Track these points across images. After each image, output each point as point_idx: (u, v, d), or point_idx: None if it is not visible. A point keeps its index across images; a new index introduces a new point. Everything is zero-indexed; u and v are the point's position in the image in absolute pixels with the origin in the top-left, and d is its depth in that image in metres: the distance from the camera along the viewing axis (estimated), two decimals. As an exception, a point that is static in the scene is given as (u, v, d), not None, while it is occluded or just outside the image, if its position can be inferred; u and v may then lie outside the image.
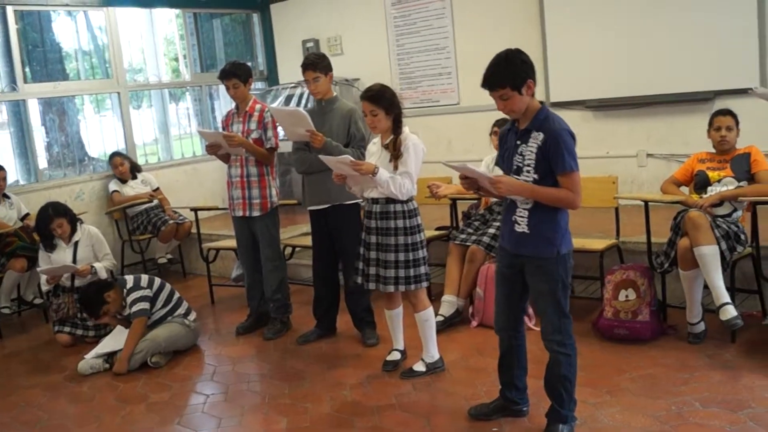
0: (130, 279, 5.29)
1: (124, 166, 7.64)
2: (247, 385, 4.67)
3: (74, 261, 5.72)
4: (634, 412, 3.79)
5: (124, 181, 7.63)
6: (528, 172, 3.29)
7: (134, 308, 5.13)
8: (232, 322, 5.88)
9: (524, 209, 3.35)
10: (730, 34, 6.65)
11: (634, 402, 3.91)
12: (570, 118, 7.28)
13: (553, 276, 3.35)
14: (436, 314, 5.12)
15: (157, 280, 5.38)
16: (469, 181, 3.44)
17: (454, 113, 8.49)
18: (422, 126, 8.54)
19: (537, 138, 3.27)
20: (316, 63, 4.96)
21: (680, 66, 6.93)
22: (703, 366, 4.32)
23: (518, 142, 3.35)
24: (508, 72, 3.23)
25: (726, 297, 4.42)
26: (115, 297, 5.16)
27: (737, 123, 4.86)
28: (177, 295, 5.44)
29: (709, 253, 4.42)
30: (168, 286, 5.41)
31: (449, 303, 5.31)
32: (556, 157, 3.22)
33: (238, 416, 4.20)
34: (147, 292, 5.22)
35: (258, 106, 5.36)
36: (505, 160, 3.46)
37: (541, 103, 3.36)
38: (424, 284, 4.37)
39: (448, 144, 8.40)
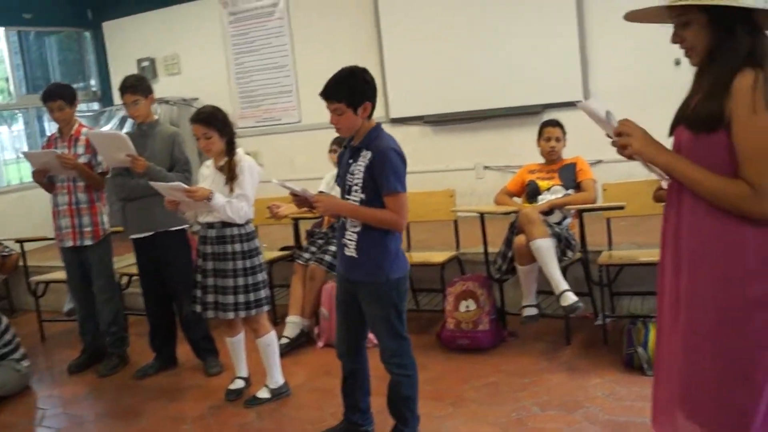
0: None
1: None
2: (79, 428, 4.40)
3: None
4: (477, 421, 3.86)
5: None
6: (356, 191, 3.27)
7: None
8: (64, 360, 5.50)
9: (353, 232, 3.31)
10: (555, 51, 7.02)
11: (477, 411, 3.98)
12: (409, 134, 7.65)
13: (385, 301, 3.32)
14: (281, 336, 5.07)
15: (4, 320, 5.03)
16: (299, 198, 3.42)
17: (295, 131, 8.48)
18: (264, 145, 8.52)
19: (365, 157, 3.24)
20: (135, 86, 4.78)
21: (511, 82, 7.23)
22: (542, 370, 4.46)
23: (350, 161, 3.32)
24: (349, 88, 3.19)
25: (565, 284, 4.57)
26: None
27: (564, 134, 5.09)
28: (18, 338, 5.10)
29: (545, 246, 4.58)
30: (12, 329, 5.07)
31: (294, 324, 5.26)
32: (381, 177, 3.19)
33: (71, 461, 3.98)
34: None
35: (84, 130, 5.12)
36: (340, 180, 3.45)
37: (378, 123, 3.34)
38: (265, 308, 4.30)
39: (290, 163, 8.37)
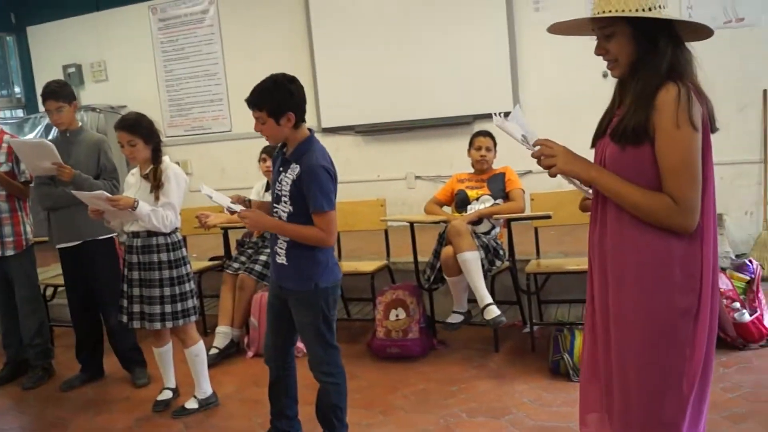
0: None
1: None
2: (3, 442, 4.30)
3: None
4: (406, 429, 3.86)
5: None
6: (285, 203, 3.27)
7: None
8: (-13, 373, 5.37)
9: (284, 241, 3.31)
10: (486, 62, 7.14)
11: (406, 419, 3.99)
12: (341, 144, 7.66)
13: (314, 309, 3.32)
14: (211, 347, 5.01)
15: None
16: (230, 210, 3.41)
17: (226, 140, 8.41)
18: (194, 154, 8.43)
19: (294, 171, 3.22)
20: (57, 92, 4.65)
21: (443, 92, 7.31)
22: (470, 377, 4.50)
23: (281, 170, 3.31)
24: (271, 97, 3.17)
25: (489, 298, 4.63)
26: None
27: (495, 144, 5.15)
28: None
29: (471, 258, 4.63)
30: None
31: (224, 334, 5.20)
32: (309, 194, 3.19)
33: (-8, 476, 3.86)
34: None
35: (6, 137, 4.96)
36: (272, 185, 3.44)
37: (311, 133, 3.32)
38: (193, 318, 4.24)
39: (221, 172, 8.30)
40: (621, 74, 2.24)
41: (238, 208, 3.38)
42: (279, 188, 3.29)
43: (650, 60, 2.15)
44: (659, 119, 2.08)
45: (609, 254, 2.26)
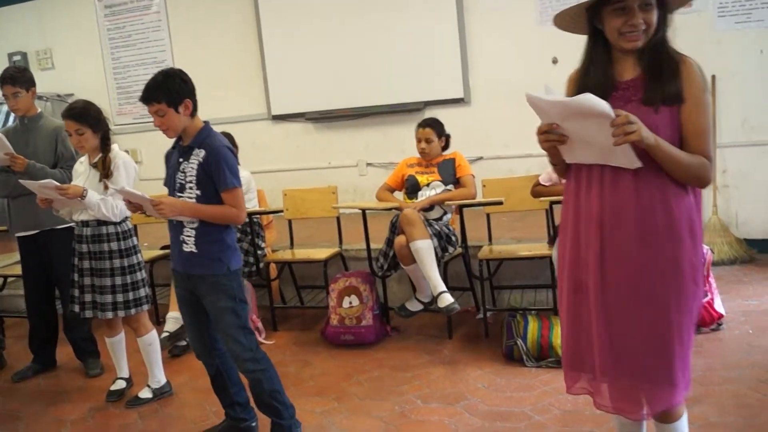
0: None
1: None
2: (-49, 436, 4.22)
3: None
4: (360, 415, 3.88)
5: None
6: (191, 188, 3.29)
7: None
8: (-65, 366, 5.27)
9: (191, 229, 3.33)
10: (436, 50, 7.15)
11: (360, 406, 4.00)
12: (291, 131, 7.63)
13: (228, 292, 3.33)
14: (162, 332, 4.97)
15: None
16: (134, 205, 3.40)
17: (176, 128, 8.28)
18: (143, 142, 8.29)
19: (198, 155, 3.27)
20: (15, 77, 4.58)
21: (393, 79, 7.31)
22: (424, 364, 4.53)
23: (181, 160, 3.34)
24: (167, 88, 3.22)
25: (442, 286, 4.66)
26: None
27: (439, 134, 5.13)
28: None
29: (424, 247, 4.65)
30: None
31: (174, 319, 5.13)
32: (218, 174, 3.24)
33: (-61, 472, 3.79)
34: None
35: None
36: (169, 180, 3.43)
37: (206, 122, 3.38)
38: (145, 307, 4.20)
39: (171, 160, 8.20)
40: (642, 44, 2.32)
41: (149, 198, 3.35)
42: (182, 178, 3.31)
43: (663, 28, 2.32)
44: (689, 86, 2.27)
45: (627, 220, 2.33)
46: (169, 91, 3.21)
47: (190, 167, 3.27)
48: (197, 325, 3.52)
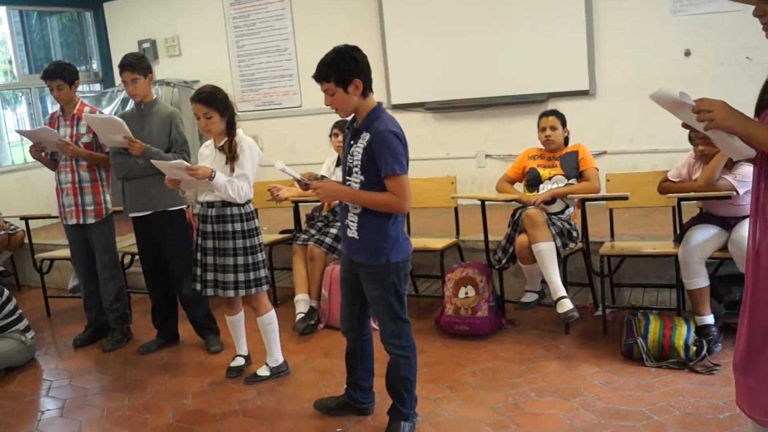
0: None
1: None
2: (84, 399, 4.42)
3: None
4: (473, 405, 3.86)
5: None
6: (356, 173, 3.27)
7: None
8: (69, 335, 5.57)
9: (354, 214, 3.32)
10: (561, 40, 6.96)
11: (473, 395, 3.98)
12: (411, 121, 7.62)
13: (385, 283, 3.33)
14: (296, 314, 5.15)
15: (5, 292, 5.06)
16: (302, 184, 3.44)
17: (296, 116, 8.44)
18: (265, 129, 8.49)
19: (364, 138, 3.23)
20: (134, 64, 4.75)
21: (516, 70, 7.18)
22: (540, 357, 4.45)
23: (351, 142, 3.32)
24: (336, 67, 3.19)
25: (563, 291, 4.57)
26: None
27: (563, 123, 5.03)
28: (20, 310, 5.13)
29: (546, 249, 4.56)
30: (14, 300, 5.10)
31: (303, 301, 5.24)
32: (380, 159, 3.18)
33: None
34: None
35: (87, 109, 5.11)
36: (342, 162, 3.44)
37: (378, 102, 3.32)
38: (265, 287, 4.30)
39: (291, 147, 8.34)
40: None
41: (308, 181, 3.39)
42: (350, 160, 3.30)
43: None
44: None
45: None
46: (338, 70, 3.18)
47: (357, 151, 3.25)
48: (351, 307, 3.58)
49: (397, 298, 3.36)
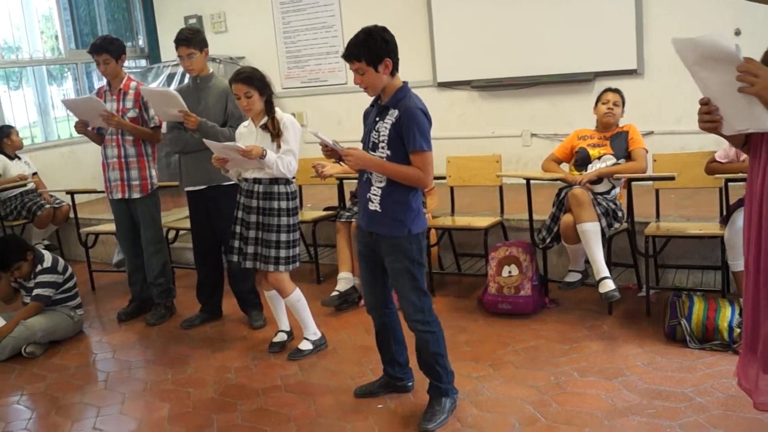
0: (48, 258, 5.08)
1: (19, 139, 7.30)
2: (128, 372, 4.52)
3: None
4: (515, 383, 3.87)
5: (10, 158, 7.21)
6: (382, 148, 3.33)
7: (39, 290, 4.94)
8: (113, 309, 5.67)
9: (378, 187, 3.38)
10: (609, 18, 6.87)
11: (515, 374, 3.99)
12: (457, 99, 7.60)
13: (407, 254, 3.38)
14: (333, 290, 5.22)
15: (69, 269, 5.20)
16: (329, 150, 3.46)
17: (342, 93, 8.42)
18: (311, 106, 8.52)
19: (392, 115, 3.31)
20: (189, 38, 4.78)
21: (563, 48, 7.10)
22: (582, 337, 4.44)
23: (377, 119, 3.39)
24: (367, 47, 3.25)
25: (605, 271, 4.55)
26: (27, 265, 4.99)
27: (624, 103, 5.00)
28: (77, 288, 5.25)
29: (591, 230, 4.54)
30: (74, 279, 5.23)
31: (345, 280, 5.28)
32: (408, 135, 3.26)
33: (118, 404, 4.06)
34: (58, 278, 5.04)
35: (133, 84, 5.14)
36: (365, 137, 3.50)
37: (405, 82, 3.40)
38: (297, 265, 4.38)
39: (338, 124, 8.33)
40: None
41: (340, 147, 3.42)
42: (375, 136, 3.37)
43: None
44: None
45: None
46: (369, 50, 3.25)
47: (384, 127, 3.32)
48: (373, 281, 3.62)
49: (418, 269, 3.42)
